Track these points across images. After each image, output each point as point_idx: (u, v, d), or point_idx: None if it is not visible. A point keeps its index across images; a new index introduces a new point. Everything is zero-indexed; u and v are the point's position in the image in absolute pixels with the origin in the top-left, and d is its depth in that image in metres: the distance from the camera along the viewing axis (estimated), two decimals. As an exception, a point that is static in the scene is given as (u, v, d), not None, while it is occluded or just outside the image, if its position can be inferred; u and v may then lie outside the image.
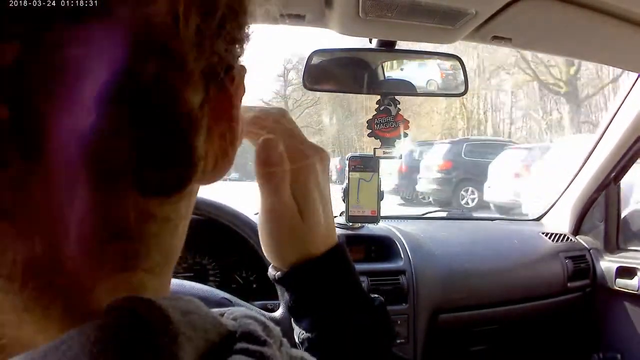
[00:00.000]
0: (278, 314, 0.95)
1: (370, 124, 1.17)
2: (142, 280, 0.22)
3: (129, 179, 0.20)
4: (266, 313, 0.93)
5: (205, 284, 0.95)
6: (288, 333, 1.05)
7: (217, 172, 0.26)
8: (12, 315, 0.19)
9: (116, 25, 0.19)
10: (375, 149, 1.17)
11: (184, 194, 0.23)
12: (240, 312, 0.25)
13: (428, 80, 1.15)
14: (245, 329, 0.23)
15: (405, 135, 1.17)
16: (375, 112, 1.16)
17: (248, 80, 0.28)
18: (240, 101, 0.27)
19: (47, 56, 0.18)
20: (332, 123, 26.10)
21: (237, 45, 0.26)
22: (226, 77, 0.25)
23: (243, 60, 0.27)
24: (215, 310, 0.24)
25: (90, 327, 0.18)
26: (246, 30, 0.26)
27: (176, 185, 0.22)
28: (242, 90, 0.27)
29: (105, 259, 0.20)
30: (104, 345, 0.18)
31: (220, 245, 1.10)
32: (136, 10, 0.19)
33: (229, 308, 0.26)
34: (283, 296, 0.98)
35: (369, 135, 1.17)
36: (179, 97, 0.21)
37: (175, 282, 0.80)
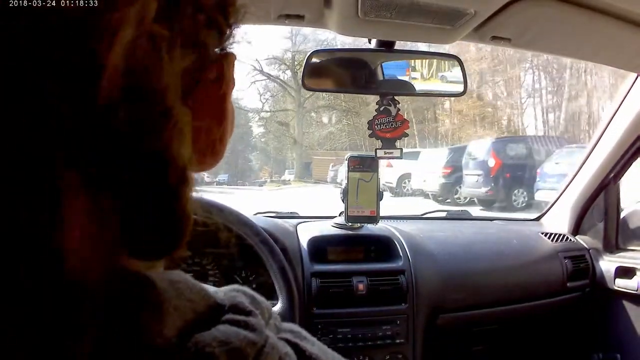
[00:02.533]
0: (277, 308, 0.96)
1: (370, 124, 1.17)
2: None
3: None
4: None
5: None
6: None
7: (204, 166, 0.26)
8: None
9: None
10: (376, 149, 1.17)
11: None
12: (229, 287, 0.26)
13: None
14: (233, 302, 0.24)
15: (406, 135, 1.17)
16: (375, 113, 1.16)
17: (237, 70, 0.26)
18: (230, 94, 0.26)
19: None
20: (351, 109, 19.54)
21: (225, 36, 0.25)
22: (209, 73, 0.24)
23: (232, 47, 0.26)
24: (206, 287, 0.25)
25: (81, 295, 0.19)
26: (234, 19, 0.26)
27: (163, 252, 0.22)
28: (232, 83, 0.26)
29: None
30: (97, 309, 0.19)
31: (221, 246, 1.10)
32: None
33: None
34: (282, 293, 0.98)
35: (370, 136, 1.17)
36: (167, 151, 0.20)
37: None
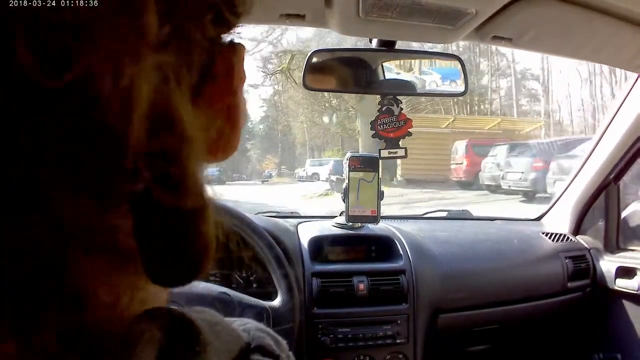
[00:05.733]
0: (277, 302, 0.96)
1: (373, 125, 1.17)
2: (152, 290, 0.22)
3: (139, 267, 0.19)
4: (265, 302, 0.94)
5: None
6: (287, 319, 1.03)
7: (215, 160, 0.26)
8: None
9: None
10: (380, 149, 1.17)
11: None
12: (252, 325, 0.27)
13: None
14: (259, 342, 0.25)
15: (409, 134, 1.17)
16: (378, 113, 1.16)
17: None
18: (241, 88, 0.25)
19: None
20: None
21: (233, 28, 0.24)
22: (218, 67, 0.23)
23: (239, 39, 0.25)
24: (227, 319, 0.26)
25: (129, 334, 0.19)
26: (240, 9, 0.24)
27: (186, 280, 0.21)
28: (243, 76, 0.25)
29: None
30: (145, 351, 0.19)
31: (221, 245, 1.10)
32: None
33: (241, 319, 0.28)
34: (281, 289, 0.98)
35: (373, 136, 1.18)
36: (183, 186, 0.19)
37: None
